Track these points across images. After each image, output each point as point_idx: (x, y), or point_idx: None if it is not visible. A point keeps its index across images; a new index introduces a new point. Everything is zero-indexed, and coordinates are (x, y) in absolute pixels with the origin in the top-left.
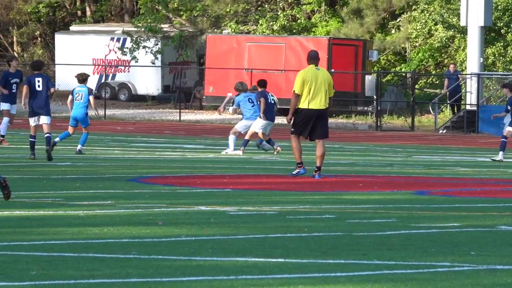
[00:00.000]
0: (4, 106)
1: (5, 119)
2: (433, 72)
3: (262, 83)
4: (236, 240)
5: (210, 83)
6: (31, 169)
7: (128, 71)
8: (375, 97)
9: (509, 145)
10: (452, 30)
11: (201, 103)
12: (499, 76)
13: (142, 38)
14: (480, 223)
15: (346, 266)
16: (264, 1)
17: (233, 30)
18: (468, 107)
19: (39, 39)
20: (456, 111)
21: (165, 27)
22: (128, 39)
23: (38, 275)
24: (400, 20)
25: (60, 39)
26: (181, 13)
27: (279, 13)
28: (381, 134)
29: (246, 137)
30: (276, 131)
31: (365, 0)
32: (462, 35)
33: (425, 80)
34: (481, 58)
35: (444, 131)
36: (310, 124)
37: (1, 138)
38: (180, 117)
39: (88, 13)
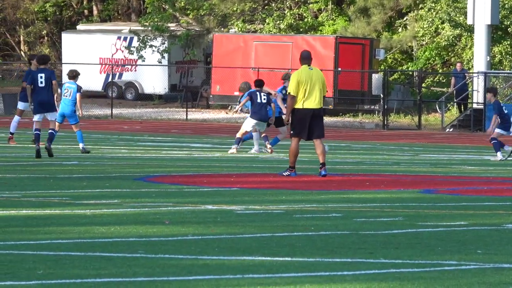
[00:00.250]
0: (21, 105)
1: (16, 118)
2: (440, 71)
3: (258, 83)
4: (242, 239)
5: (217, 82)
6: (38, 168)
7: (135, 70)
8: (382, 95)
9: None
10: (459, 29)
11: (208, 102)
12: (506, 74)
13: (149, 37)
14: (486, 221)
15: (352, 264)
16: (271, 0)
17: (240, 29)
18: (475, 105)
19: (46, 38)
20: (463, 109)
21: (172, 26)
22: (135, 38)
23: (45, 274)
24: (407, 19)
25: (67, 38)
26: (188, 12)
27: (286, 12)
28: (388, 133)
29: (238, 135)
30: (275, 131)
31: None
32: (469, 34)
33: (432, 79)
34: (488, 57)
35: (451, 129)
36: (306, 124)
37: (10, 135)
38: (187, 116)
39: (95, 12)
